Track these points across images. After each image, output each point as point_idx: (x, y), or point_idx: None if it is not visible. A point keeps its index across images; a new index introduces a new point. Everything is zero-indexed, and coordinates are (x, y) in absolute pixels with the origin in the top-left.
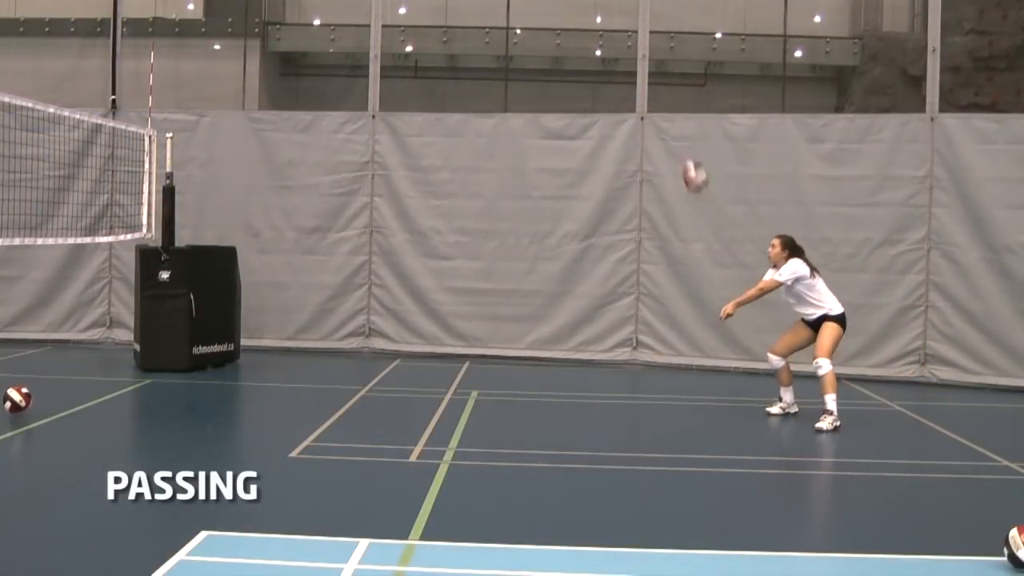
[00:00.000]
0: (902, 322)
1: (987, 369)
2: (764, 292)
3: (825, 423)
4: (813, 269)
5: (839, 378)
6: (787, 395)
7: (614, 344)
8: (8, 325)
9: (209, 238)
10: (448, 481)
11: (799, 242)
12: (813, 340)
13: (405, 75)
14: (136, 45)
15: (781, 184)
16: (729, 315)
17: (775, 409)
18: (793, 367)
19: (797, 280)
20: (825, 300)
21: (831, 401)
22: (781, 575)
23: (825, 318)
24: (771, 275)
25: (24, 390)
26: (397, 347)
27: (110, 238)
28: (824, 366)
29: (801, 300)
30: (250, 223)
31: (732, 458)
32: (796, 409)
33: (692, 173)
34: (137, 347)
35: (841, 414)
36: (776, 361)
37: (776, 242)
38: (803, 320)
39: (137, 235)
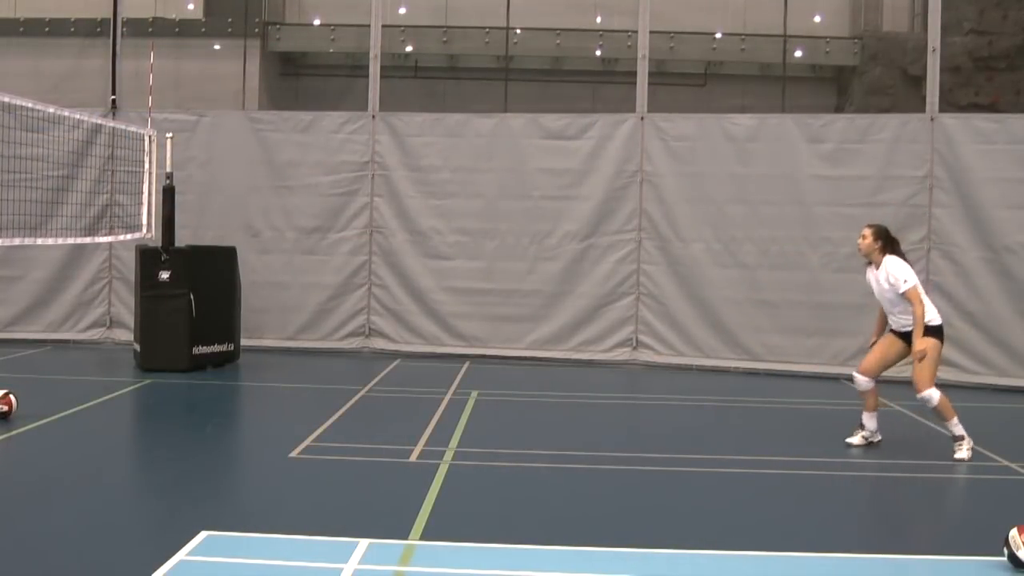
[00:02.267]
0: None
1: (987, 369)
2: (924, 307)
3: (964, 451)
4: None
5: (839, 378)
6: (871, 422)
7: (614, 344)
8: (8, 325)
9: (209, 238)
10: (448, 481)
11: (803, 242)
12: (906, 354)
13: (405, 75)
14: (136, 45)
15: (781, 184)
16: (925, 352)
17: (856, 439)
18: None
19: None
20: (928, 308)
21: (956, 426)
22: (781, 575)
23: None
24: (871, 276)
25: None
26: (397, 347)
27: (110, 238)
28: (932, 398)
29: (896, 305)
30: (250, 223)
31: (731, 458)
32: (879, 438)
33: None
34: (137, 347)
35: (841, 414)
36: (864, 382)
37: (867, 232)
38: (893, 331)
39: (137, 235)
